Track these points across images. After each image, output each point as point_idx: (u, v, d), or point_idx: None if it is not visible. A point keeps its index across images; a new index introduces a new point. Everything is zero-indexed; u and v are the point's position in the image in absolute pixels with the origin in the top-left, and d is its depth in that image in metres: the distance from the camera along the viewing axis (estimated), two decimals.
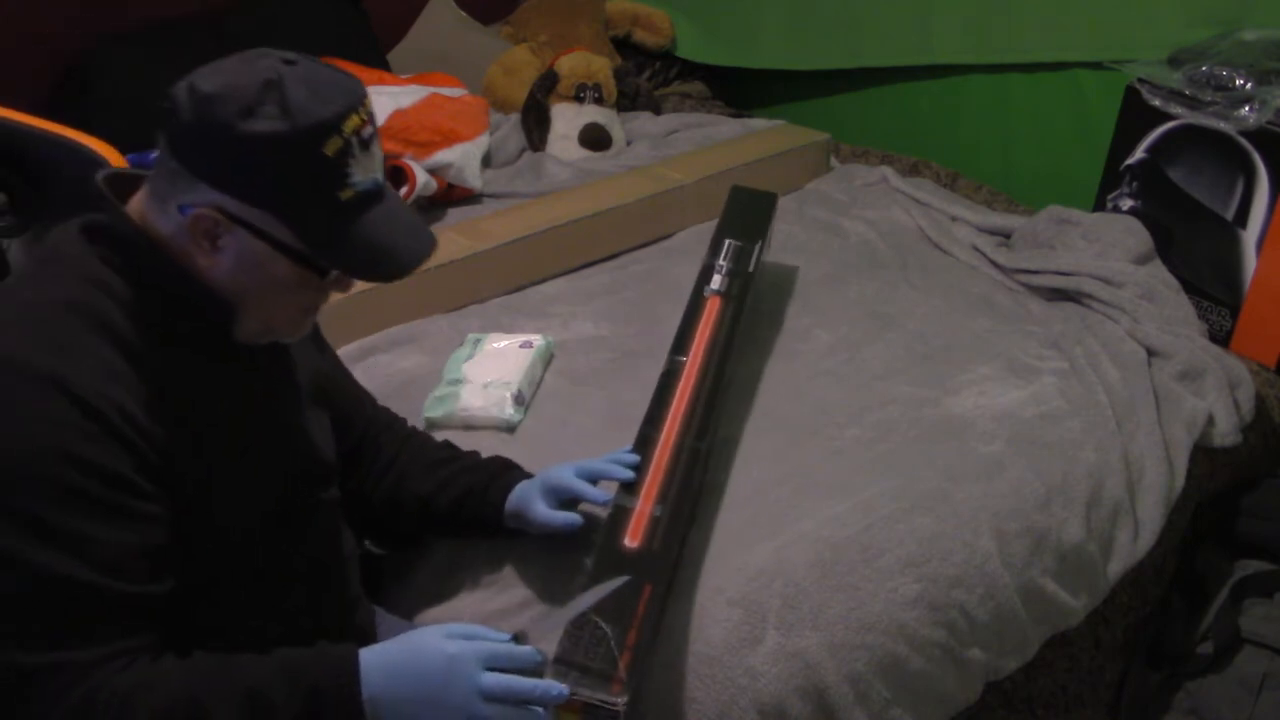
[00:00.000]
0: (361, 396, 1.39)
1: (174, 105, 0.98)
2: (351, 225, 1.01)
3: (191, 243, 1.01)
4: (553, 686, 1.04)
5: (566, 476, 1.29)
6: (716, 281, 1.75)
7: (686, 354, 1.58)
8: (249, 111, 0.94)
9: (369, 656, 1.01)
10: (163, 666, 0.97)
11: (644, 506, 1.31)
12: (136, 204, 1.04)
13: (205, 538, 1.02)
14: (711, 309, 1.69)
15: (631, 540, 1.26)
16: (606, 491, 1.31)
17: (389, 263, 1.04)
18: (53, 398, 0.93)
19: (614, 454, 1.35)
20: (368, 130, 1.00)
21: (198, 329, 1.05)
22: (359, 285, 1.13)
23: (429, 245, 1.07)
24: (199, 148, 0.97)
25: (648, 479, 1.34)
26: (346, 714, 0.98)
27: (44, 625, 0.91)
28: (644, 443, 1.40)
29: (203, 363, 1.06)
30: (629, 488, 1.32)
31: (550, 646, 1.11)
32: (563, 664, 1.11)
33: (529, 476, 1.35)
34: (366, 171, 1.01)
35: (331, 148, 0.97)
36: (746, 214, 1.96)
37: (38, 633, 0.91)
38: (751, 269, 1.79)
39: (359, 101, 0.99)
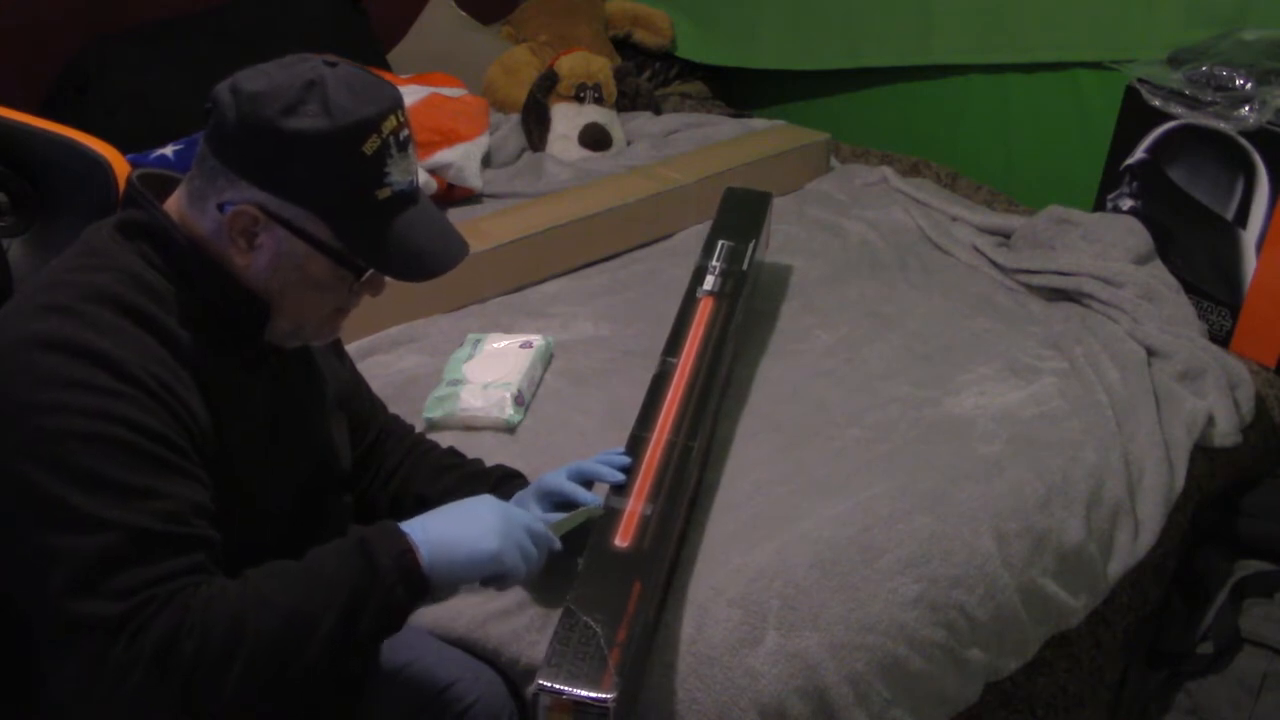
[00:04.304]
0: (375, 403, 1.41)
1: (216, 105, 1.00)
2: (387, 225, 1.04)
3: (229, 241, 1.03)
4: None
5: (559, 480, 1.30)
6: (709, 282, 1.75)
7: (678, 355, 1.58)
8: (292, 109, 0.97)
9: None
10: (225, 581, 1.00)
11: (634, 506, 1.31)
12: (174, 203, 1.06)
13: (220, 530, 1.03)
14: (704, 310, 1.69)
15: (622, 540, 1.27)
16: (598, 494, 1.31)
17: (423, 263, 1.06)
18: (100, 371, 0.95)
19: (605, 454, 1.36)
20: (405, 133, 1.03)
21: (231, 328, 1.07)
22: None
23: (461, 248, 1.10)
24: (241, 145, 0.99)
25: (638, 480, 1.35)
26: (393, 543, 1.04)
27: (123, 576, 0.93)
28: (635, 444, 1.41)
29: (235, 362, 1.07)
30: (620, 489, 1.33)
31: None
32: (552, 663, 1.11)
33: (528, 484, 1.35)
34: (403, 173, 1.04)
35: (370, 146, 1.00)
36: (740, 214, 1.96)
37: (118, 584, 0.92)
38: (745, 267, 1.79)
39: (397, 104, 1.03)
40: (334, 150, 0.98)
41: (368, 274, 1.08)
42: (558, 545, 1.18)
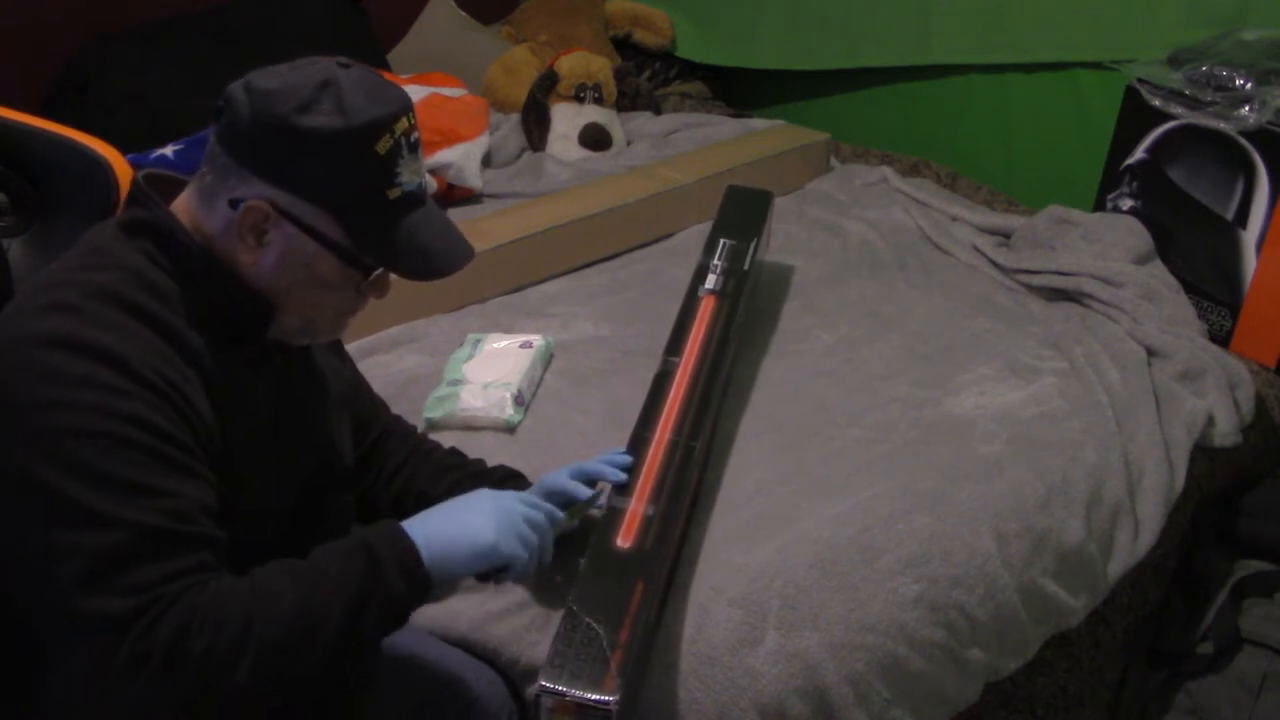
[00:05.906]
0: (377, 403, 1.41)
1: (229, 102, 1.01)
2: (396, 225, 1.05)
3: (238, 238, 1.03)
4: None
5: (561, 479, 1.30)
6: (711, 281, 1.76)
7: (680, 354, 1.58)
8: (306, 108, 0.99)
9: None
10: (232, 579, 1.00)
11: (636, 506, 1.31)
12: (182, 202, 1.07)
13: (224, 528, 1.03)
14: (706, 309, 1.69)
15: (623, 540, 1.27)
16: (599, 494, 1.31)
17: (431, 262, 1.08)
18: (107, 369, 0.95)
19: (607, 454, 1.36)
20: (415, 135, 1.05)
21: (234, 326, 1.07)
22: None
23: (467, 250, 1.11)
24: (254, 142, 1.00)
25: (640, 479, 1.35)
26: (395, 543, 1.05)
27: (132, 573, 0.93)
28: (637, 443, 1.41)
29: (237, 360, 1.08)
30: (621, 489, 1.33)
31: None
32: (554, 664, 1.11)
33: (530, 485, 1.36)
34: (413, 174, 1.05)
35: (383, 146, 1.01)
36: (742, 213, 1.96)
37: (127, 581, 0.93)
38: (747, 266, 1.79)
39: (408, 106, 1.04)
40: (347, 148, 1.00)
41: (375, 274, 1.08)
42: (559, 514, 1.20)
